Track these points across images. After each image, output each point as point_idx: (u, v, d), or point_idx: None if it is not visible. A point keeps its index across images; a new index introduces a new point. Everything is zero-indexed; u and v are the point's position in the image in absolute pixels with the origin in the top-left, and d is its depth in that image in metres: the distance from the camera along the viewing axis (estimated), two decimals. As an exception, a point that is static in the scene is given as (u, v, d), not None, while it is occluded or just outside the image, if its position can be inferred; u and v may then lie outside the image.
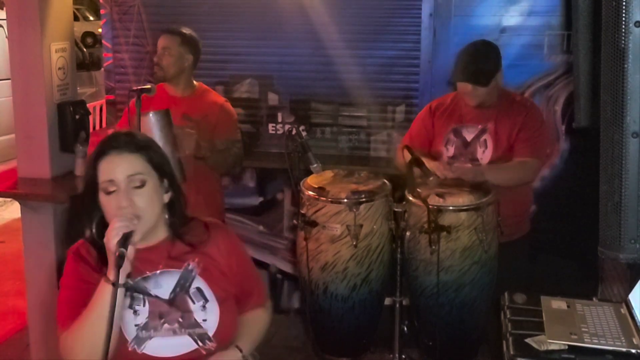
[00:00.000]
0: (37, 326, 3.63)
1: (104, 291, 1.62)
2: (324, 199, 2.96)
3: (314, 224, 2.97)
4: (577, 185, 3.70)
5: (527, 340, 2.00)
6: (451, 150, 3.21)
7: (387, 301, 3.13)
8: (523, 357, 1.94)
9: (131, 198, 1.68)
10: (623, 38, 1.41)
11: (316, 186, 3.03)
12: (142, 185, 1.70)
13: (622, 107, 1.43)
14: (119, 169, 1.69)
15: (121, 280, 1.61)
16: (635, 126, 1.43)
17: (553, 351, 1.94)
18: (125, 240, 1.61)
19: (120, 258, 1.58)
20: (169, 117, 2.99)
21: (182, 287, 1.77)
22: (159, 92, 3.47)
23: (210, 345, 1.77)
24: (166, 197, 1.77)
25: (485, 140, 3.16)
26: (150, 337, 1.73)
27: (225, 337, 1.80)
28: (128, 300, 1.73)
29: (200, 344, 1.77)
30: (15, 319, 4.29)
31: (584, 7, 2.17)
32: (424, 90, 3.94)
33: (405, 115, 4.00)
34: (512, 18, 3.80)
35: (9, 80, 3.68)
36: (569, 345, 1.94)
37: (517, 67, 3.73)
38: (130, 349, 1.73)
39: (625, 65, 1.42)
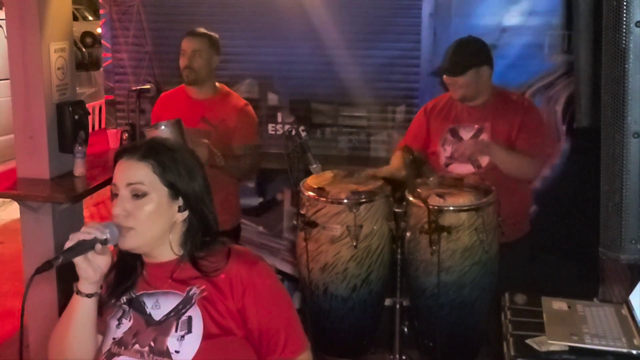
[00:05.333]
0: (36, 327, 3.62)
1: (72, 298, 1.61)
2: (324, 199, 2.95)
3: (313, 224, 2.96)
4: (578, 185, 3.69)
5: (528, 341, 2.00)
6: (448, 150, 3.20)
7: (388, 302, 3.12)
8: (524, 358, 1.94)
9: (126, 207, 1.60)
10: (624, 38, 1.41)
11: (316, 187, 3.02)
12: (142, 196, 1.61)
13: (622, 107, 1.43)
14: (121, 174, 1.64)
15: (82, 289, 1.57)
16: (636, 126, 1.43)
17: (554, 352, 1.94)
18: (79, 247, 1.52)
19: (49, 265, 1.49)
20: (181, 127, 2.97)
21: (177, 313, 1.63)
22: (180, 94, 3.47)
23: None
24: (179, 217, 1.65)
25: (483, 140, 3.15)
26: (119, 354, 1.62)
27: None
28: (120, 312, 1.67)
29: None
30: (15, 320, 4.28)
31: (585, 7, 2.16)
32: (424, 90, 3.94)
33: (405, 116, 3.99)
34: (512, 18, 3.80)
35: (8, 81, 3.67)
36: (569, 346, 1.94)
37: (517, 67, 3.73)
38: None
39: (626, 66, 1.41)
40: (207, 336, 1.60)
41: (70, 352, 1.63)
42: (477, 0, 3.82)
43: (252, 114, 3.48)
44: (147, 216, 1.60)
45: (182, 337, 1.60)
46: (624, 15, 1.40)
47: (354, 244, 2.90)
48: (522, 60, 3.77)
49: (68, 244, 1.53)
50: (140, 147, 1.66)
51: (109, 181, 3.77)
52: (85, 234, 1.54)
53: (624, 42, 1.41)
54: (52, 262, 1.49)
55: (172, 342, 1.60)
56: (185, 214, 1.66)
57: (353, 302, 3.01)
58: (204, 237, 1.68)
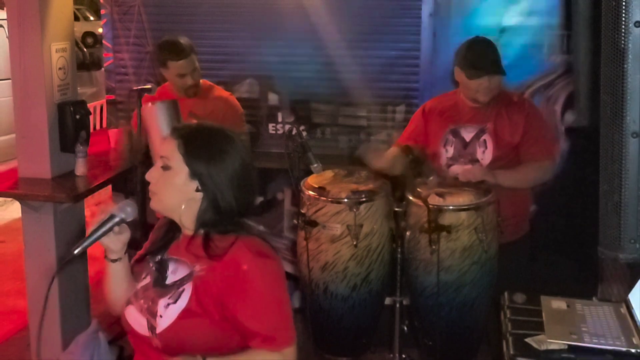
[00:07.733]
0: (37, 326, 3.62)
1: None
2: (324, 198, 2.96)
3: (314, 223, 2.97)
4: (577, 185, 3.69)
5: (527, 340, 2.00)
6: (450, 151, 3.19)
7: (387, 301, 3.13)
8: (523, 357, 1.94)
9: (154, 175, 1.82)
10: (623, 38, 1.42)
11: (316, 186, 3.03)
12: (167, 168, 1.80)
13: (621, 107, 1.44)
14: (162, 147, 1.86)
15: (109, 256, 1.86)
16: (634, 126, 1.43)
17: (553, 351, 1.94)
18: (94, 237, 1.78)
19: (70, 255, 1.75)
20: (177, 107, 2.98)
21: (180, 283, 1.81)
22: (165, 92, 3.49)
23: (156, 341, 1.77)
24: (197, 195, 1.80)
25: (484, 141, 3.14)
26: (132, 303, 1.86)
27: (170, 343, 1.75)
28: (148, 267, 1.90)
29: (150, 333, 1.79)
30: (16, 319, 4.28)
31: (584, 7, 2.17)
32: (424, 90, 3.94)
33: (405, 115, 3.99)
34: (512, 18, 3.80)
35: (9, 80, 3.67)
36: (568, 345, 1.94)
37: (517, 67, 3.73)
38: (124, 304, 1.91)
39: (625, 65, 1.42)
40: (185, 311, 1.75)
41: (113, 305, 1.95)
42: (477, 0, 3.82)
43: (237, 103, 3.56)
44: (166, 187, 1.81)
45: (168, 305, 1.78)
46: (623, 15, 1.41)
47: (354, 243, 2.91)
48: (522, 60, 3.77)
49: (88, 230, 1.79)
50: (183, 127, 1.87)
51: (110, 181, 3.79)
52: (117, 209, 1.80)
53: (623, 42, 1.42)
54: (72, 251, 1.75)
55: (160, 307, 1.79)
56: (201, 195, 1.80)
57: (353, 301, 3.02)
58: (216, 218, 1.81)
